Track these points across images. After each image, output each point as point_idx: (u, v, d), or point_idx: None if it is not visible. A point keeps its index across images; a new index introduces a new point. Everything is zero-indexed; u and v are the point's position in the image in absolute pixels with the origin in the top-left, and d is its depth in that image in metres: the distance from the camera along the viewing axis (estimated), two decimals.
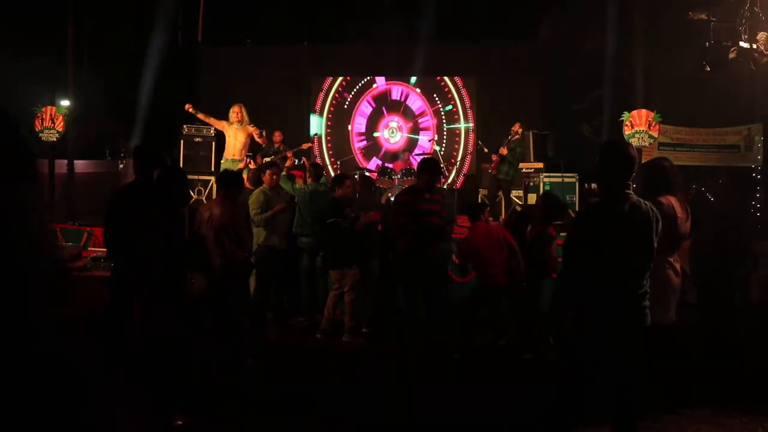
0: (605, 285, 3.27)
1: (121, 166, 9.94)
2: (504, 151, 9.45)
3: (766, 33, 5.35)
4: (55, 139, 8.86)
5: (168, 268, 4.10)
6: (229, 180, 5.50)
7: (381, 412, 4.52)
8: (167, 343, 4.07)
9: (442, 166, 10.41)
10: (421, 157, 11.35)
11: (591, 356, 3.31)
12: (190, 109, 8.78)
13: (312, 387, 4.97)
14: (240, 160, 8.89)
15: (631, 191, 3.30)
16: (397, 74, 13.28)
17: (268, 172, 6.90)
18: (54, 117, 8.75)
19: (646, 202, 3.33)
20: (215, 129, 9.72)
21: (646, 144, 8.51)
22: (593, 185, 3.53)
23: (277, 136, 10.32)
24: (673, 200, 4.29)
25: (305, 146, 10.40)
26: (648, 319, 3.33)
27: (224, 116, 8.85)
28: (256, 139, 8.89)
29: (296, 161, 9.86)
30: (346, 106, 13.51)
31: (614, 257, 3.25)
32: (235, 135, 8.79)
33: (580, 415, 3.57)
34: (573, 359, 3.38)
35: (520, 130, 9.62)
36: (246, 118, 8.83)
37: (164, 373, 4.10)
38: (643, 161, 8.96)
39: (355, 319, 6.44)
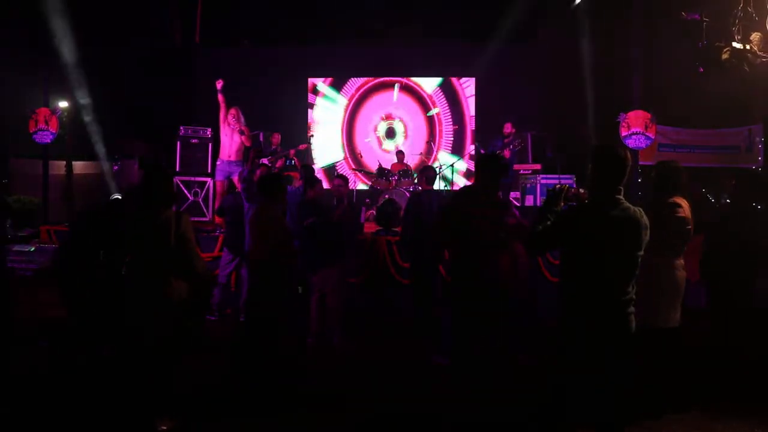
0: (589, 290, 3.23)
1: (116, 167, 9.93)
2: (507, 153, 9.49)
3: (759, 33, 5.30)
4: (48, 141, 8.85)
5: (149, 271, 4.07)
6: (269, 184, 5.40)
7: (376, 412, 4.50)
8: (152, 346, 4.05)
9: (438, 167, 10.44)
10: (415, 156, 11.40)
11: (579, 363, 3.27)
12: (220, 85, 8.82)
13: (305, 389, 4.95)
14: (236, 162, 8.89)
15: (621, 196, 3.26)
16: (396, 75, 13.26)
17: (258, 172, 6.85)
18: (48, 118, 8.74)
19: (636, 208, 3.28)
20: (212, 130, 9.72)
21: (643, 145, 8.47)
22: (581, 190, 3.45)
23: (276, 138, 10.33)
24: (684, 202, 4.35)
25: (302, 147, 10.40)
26: (633, 325, 3.27)
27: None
28: (245, 142, 8.90)
29: (288, 162, 9.86)
30: (343, 106, 13.50)
31: (599, 262, 3.21)
32: (231, 136, 8.82)
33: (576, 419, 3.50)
34: (562, 366, 3.34)
35: (513, 130, 9.65)
36: (242, 120, 8.84)
37: (148, 377, 4.09)
38: (640, 162, 8.97)
39: (343, 321, 6.41)
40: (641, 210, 3.29)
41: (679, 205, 4.32)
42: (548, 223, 3.37)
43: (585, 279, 3.25)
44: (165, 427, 4.05)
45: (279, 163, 9.73)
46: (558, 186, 3.47)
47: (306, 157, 10.94)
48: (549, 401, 3.39)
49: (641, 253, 3.26)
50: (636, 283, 3.31)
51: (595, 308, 3.22)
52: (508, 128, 9.97)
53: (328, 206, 6.67)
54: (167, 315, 4.11)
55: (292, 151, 10.10)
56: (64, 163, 10.03)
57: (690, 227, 4.36)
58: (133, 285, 4.14)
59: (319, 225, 6.26)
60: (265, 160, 9.73)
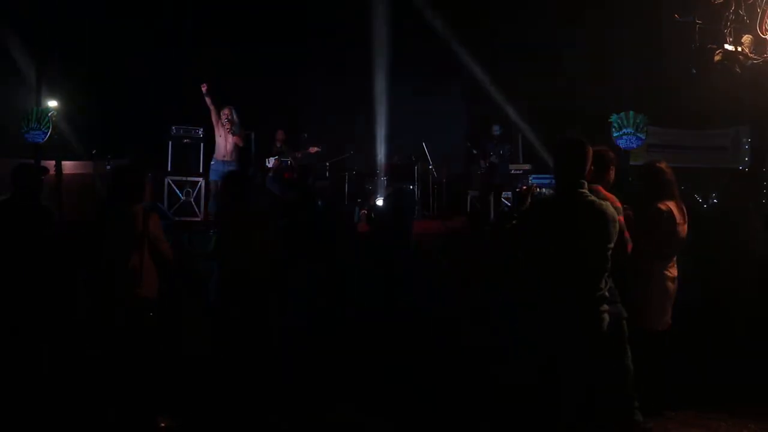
0: (553, 288, 3.15)
1: (108, 167, 9.86)
2: (497, 156, 9.64)
3: (750, 36, 5.38)
4: (41, 140, 8.79)
5: (123, 267, 4.04)
6: (233, 182, 5.23)
7: (367, 414, 4.52)
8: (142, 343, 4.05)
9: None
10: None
11: (550, 363, 3.19)
12: (204, 89, 8.79)
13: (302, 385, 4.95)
14: (230, 162, 8.87)
15: (585, 190, 3.17)
16: (387, 75, 13.25)
17: None
18: (40, 117, 8.68)
19: (603, 202, 3.20)
20: (204, 130, 9.68)
21: (634, 146, 8.55)
22: (545, 190, 3.40)
23: (280, 135, 10.28)
24: (672, 205, 4.26)
25: (313, 150, 10.27)
26: (605, 324, 3.16)
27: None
28: (238, 143, 8.88)
29: (284, 162, 9.85)
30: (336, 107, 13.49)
31: (562, 258, 3.12)
32: (225, 136, 8.79)
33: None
34: (533, 366, 3.31)
35: (501, 132, 9.78)
36: (236, 120, 8.82)
37: (148, 373, 4.08)
38: (631, 162, 9.05)
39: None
40: (608, 203, 3.21)
41: (667, 211, 4.18)
42: (513, 221, 3.32)
43: (549, 276, 3.16)
44: (164, 424, 4.06)
45: (274, 163, 9.69)
46: (525, 186, 3.44)
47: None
48: (528, 402, 3.35)
49: (611, 245, 3.14)
50: (611, 281, 3.23)
51: (561, 306, 3.12)
52: (496, 130, 10.06)
53: (311, 206, 6.68)
54: (146, 312, 4.09)
55: (298, 154, 10.05)
56: (53, 163, 9.94)
57: (679, 231, 4.24)
58: (115, 283, 4.09)
59: (289, 225, 6.34)
60: (271, 160, 9.73)
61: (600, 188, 3.77)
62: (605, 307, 3.15)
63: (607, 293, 3.17)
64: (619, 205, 3.87)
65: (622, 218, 3.72)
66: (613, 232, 3.14)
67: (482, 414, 4.48)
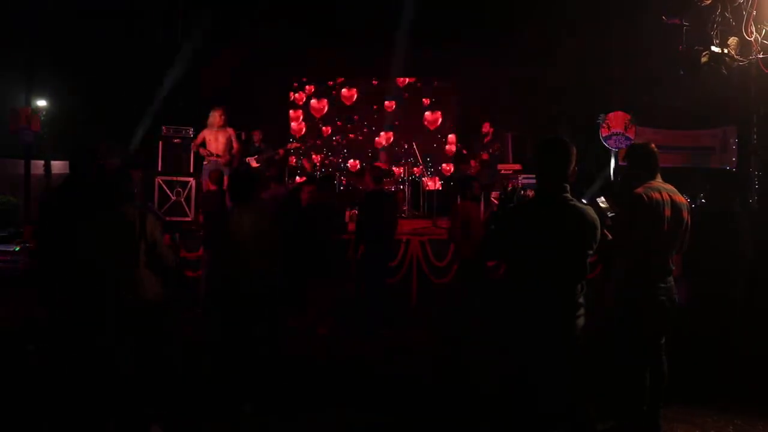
0: (531, 293, 3.10)
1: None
2: (485, 156, 9.64)
3: (736, 38, 5.45)
4: (30, 140, 8.77)
5: (120, 272, 3.97)
6: (242, 182, 4.78)
7: (360, 416, 4.54)
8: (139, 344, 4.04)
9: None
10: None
11: (527, 365, 3.15)
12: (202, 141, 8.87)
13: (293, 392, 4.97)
14: (223, 161, 8.88)
15: (567, 193, 3.11)
16: (379, 75, 13.32)
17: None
18: (29, 118, 8.65)
19: (586, 208, 3.14)
20: (194, 130, 9.68)
21: (623, 146, 8.64)
22: (530, 191, 3.32)
23: (257, 135, 10.32)
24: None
25: (291, 146, 10.38)
26: (578, 331, 3.09)
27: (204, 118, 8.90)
28: (234, 143, 8.89)
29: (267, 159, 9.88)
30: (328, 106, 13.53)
31: (540, 263, 3.07)
32: (216, 137, 8.83)
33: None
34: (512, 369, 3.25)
35: (491, 130, 9.82)
36: (225, 121, 8.86)
37: (141, 380, 4.06)
38: (620, 163, 9.14)
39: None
40: (590, 208, 3.15)
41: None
42: (491, 225, 3.29)
43: (526, 281, 3.11)
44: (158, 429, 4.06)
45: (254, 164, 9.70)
46: (510, 188, 3.39)
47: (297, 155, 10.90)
48: (512, 404, 3.24)
49: (591, 252, 3.09)
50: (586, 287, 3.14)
51: (537, 311, 3.08)
52: (485, 128, 10.11)
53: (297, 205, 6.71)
54: (146, 317, 4.04)
55: (281, 151, 10.09)
56: (42, 162, 9.92)
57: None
58: (106, 285, 3.97)
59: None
60: (252, 160, 9.75)
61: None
62: (581, 312, 3.11)
63: (582, 300, 3.11)
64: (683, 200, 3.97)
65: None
66: (593, 238, 3.08)
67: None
